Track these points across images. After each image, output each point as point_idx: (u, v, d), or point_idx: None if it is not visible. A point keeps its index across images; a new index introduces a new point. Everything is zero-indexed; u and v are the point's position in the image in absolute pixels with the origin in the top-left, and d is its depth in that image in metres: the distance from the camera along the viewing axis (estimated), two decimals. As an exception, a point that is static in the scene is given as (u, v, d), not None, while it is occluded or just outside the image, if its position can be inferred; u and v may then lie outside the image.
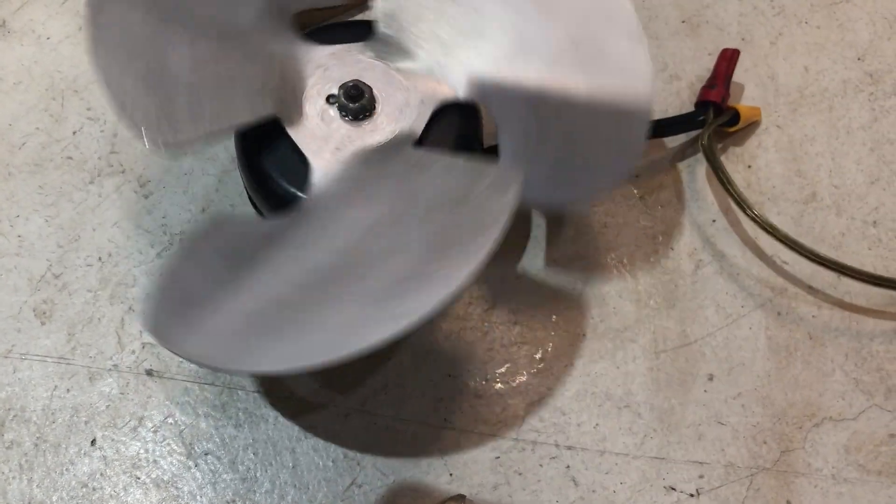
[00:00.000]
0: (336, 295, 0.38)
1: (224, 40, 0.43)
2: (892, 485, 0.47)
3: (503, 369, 0.49)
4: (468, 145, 0.45)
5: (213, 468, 0.47)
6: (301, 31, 0.46)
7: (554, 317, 0.50)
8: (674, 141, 0.54)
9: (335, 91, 0.44)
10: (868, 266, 0.51)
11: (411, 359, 0.49)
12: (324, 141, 0.43)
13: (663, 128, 0.53)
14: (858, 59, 0.57)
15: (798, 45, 0.57)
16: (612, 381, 0.49)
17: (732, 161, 0.54)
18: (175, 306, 0.39)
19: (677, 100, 0.56)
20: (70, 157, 0.53)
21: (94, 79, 0.54)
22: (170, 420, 0.47)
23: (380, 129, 0.44)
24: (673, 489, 0.47)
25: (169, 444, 0.47)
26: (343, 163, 0.43)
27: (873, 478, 0.47)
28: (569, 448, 0.48)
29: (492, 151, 0.46)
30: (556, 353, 0.49)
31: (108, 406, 0.48)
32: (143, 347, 0.49)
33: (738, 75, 0.55)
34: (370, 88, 0.43)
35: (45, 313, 0.50)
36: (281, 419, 0.48)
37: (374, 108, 0.43)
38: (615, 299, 0.51)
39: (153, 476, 0.46)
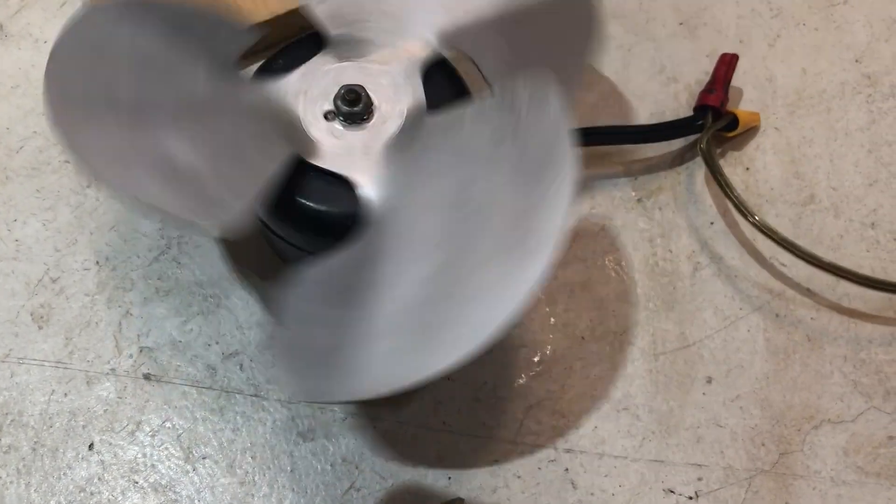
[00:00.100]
0: (456, 288, 0.38)
1: (201, 112, 0.42)
2: (890, 487, 0.47)
3: (501, 372, 0.49)
4: (464, 88, 0.45)
5: (211, 472, 0.47)
6: (255, 72, 0.45)
7: (552, 319, 0.50)
8: (672, 144, 0.54)
9: (330, 106, 0.43)
10: (866, 268, 0.51)
11: (409, 362, 0.49)
12: (349, 155, 0.43)
13: (662, 132, 0.53)
14: (856, 61, 0.57)
15: (796, 48, 0.57)
16: (610, 384, 0.49)
17: (731, 163, 0.54)
18: (315, 363, 0.38)
19: (675, 102, 0.56)
20: (67, 161, 0.53)
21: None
22: (168, 424, 0.47)
23: (389, 118, 0.43)
24: (672, 492, 0.47)
25: (167, 448, 0.47)
26: (380, 164, 0.42)
27: (872, 480, 0.47)
28: (567, 451, 0.48)
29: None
30: (555, 355, 0.49)
31: (105, 410, 0.48)
32: (141, 351, 0.49)
33: (737, 78, 0.55)
34: (361, 87, 0.43)
35: (42, 317, 0.49)
36: (279, 423, 0.47)
37: (372, 103, 0.43)
38: (613, 302, 0.51)
39: (151, 480, 0.46)
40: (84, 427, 0.47)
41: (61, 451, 0.47)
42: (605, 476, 0.47)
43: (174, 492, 0.46)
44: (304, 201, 0.42)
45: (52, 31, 0.56)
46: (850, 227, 0.52)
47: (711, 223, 0.52)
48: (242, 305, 0.50)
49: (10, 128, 0.54)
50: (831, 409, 0.48)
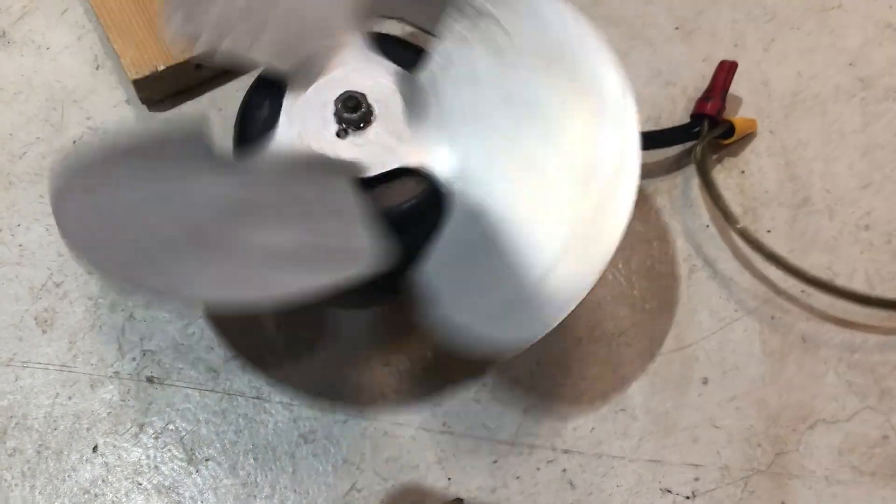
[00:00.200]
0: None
1: (259, 207, 0.40)
2: (885, 486, 0.48)
3: (500, 374, 0.49)
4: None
5: (213, 474, 0.47)
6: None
7: (550, 322, 0.51)
8: (669, 148, 0.55)
9: (336, 125, 0.43)
10: (860, 270, 0.52)
11: (409, 364, 0.49)
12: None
13: (658, 139, 0.53)
14: (850, 64, 0.57)
15: (790, 51, 0.58)
16: (608, 385, 0.49)
17: (726, 167, 0.54)
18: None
19: (671, 105, 0.56)
20: (70, 166, 0.53)
21: (93, 88, 0.55)
22: (171, 426, 0.48)
23: (386, 101, 0.43)
24: (669, 492, 0.47)
25: (170, 450, 0.47)
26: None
27: (867, 479, 0.48)
28: (565, 451, 0.48)
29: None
30: (553, 357, 0.50)
31: (109, 413, 0.48)
32: (144, 355, 0.49)
33: (733, 82, 0.55)
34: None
35: (46, 321, 0.50)
36: (280, 425, 0.48)
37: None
38: (610, 304, 0.51)
39: (155, 482, 0.47)
40: (88, 430, 0.48)
41: (65, 453, 0.47)
42: (603, 476, 0.48)
43: (177, 493, 0.47)
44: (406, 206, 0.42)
45: (53, 37, 0.57)
46: (845, 229, 0.53)
47: (707, 226, 0.53)
48: (244, 309, 0.50)
49: (13, 134, 0.54)
50: (826, 409, 0.49)
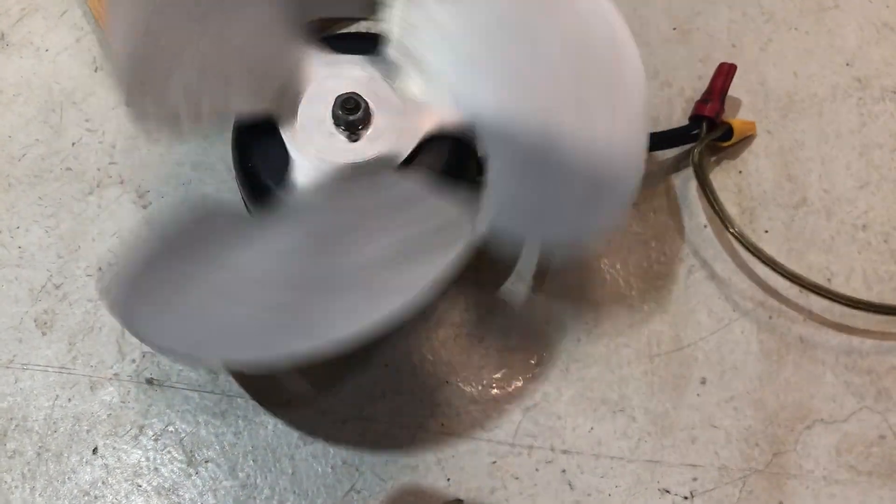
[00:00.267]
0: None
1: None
2: (882, 486, 0.48)
3: (499, 374, 0.49)
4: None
5: (213, 475, 0.47)
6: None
7: (549, 322, 0.51)
8: (667, 150, 0.55)
9: (345, 134, 0.43)
10: (858, 269, 0.52)
11: (408, 365, 0.50)
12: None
13: (656, 142, 0.53)
14: (847, 64, 0.58)
15: (787, 51, 0.58)
16: (606, 386, 0.49)
17: (724, 167, 0.55)
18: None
19: (668, 106, 0.56)
20: (69, 168, 0.53)
21: (92, 90, 0.55)
22: (170, 428, 0.48)
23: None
24: (667, 492, 0.48)
25: (170, 452, 0.48)
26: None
27: (864, 479, 0.48)
28: (564, 452, 0.48)
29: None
30: (551, 357, 0.50)
31: (109, 415, 0.48)
32: (144, 356, 0.49)
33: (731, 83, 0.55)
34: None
35: (45, 323, 0.50)
36: (280, 426, 0.48)
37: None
38: (609, 304, 0.51)
39: (154, 484, 0.47)
40: (88, 431, 0.48)
41: (65, 455, 0.47)
42: (602, 477, 0.48)
43: (177, 495, 0.47)
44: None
45: (52, 39, 0.57)
46: (842, 228, 0.53)
47: (705, 226, 0.53)
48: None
49: (13, 136, 0.54)
50: (824, 409, 0.49)
